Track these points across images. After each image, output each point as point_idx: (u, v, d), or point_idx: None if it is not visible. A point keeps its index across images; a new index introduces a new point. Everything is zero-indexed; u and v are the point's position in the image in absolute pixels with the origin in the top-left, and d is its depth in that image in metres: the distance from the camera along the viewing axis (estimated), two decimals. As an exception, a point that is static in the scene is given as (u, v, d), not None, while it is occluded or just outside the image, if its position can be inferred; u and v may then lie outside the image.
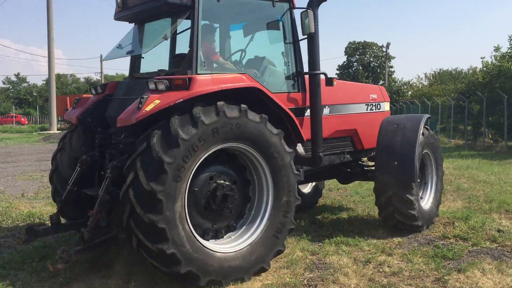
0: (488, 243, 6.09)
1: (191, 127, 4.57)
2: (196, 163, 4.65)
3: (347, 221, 7.36)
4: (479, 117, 25.21)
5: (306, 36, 5.79)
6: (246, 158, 5.18)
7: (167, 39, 5.68)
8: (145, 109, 4.58)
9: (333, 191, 10.13)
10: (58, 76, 70.35)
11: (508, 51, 23.09)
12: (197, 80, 4.83)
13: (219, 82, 4.98)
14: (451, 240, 6.28)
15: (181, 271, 4.53)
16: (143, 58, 6.21)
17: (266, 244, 5.12)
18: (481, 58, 40.04)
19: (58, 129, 35.56)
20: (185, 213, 4.60)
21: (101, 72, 62.18)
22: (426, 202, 7.01)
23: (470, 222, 7.00)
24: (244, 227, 5.24)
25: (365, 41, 59.33)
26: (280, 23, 5.96)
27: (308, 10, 5.67)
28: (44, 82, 69.39)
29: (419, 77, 50.47)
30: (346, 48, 60.54)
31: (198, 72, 5.09)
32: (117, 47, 5.98)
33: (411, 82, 52.61)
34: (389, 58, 53.25)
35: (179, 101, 4.67)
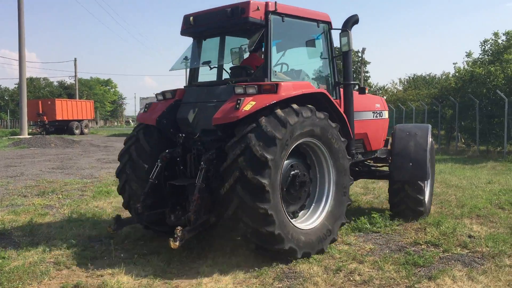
0: (459, 249, 6.07)
1: (281, 128, 5.51)
2: (285, 157, 5.65)
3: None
4: (452, 122, 25.59)
5: (341, 52, 6.91)
6: (308, 147, 6.20)
7: (249, 52, 6.95)
8: (244, 109, 5.54)
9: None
10: (31, 80, 68.99)
11: (480, 56, 23.50)
12: (282, 86, 5.79)
13: (298, 87, 6.05)
14: (423, 247, 6.24)
15: (285, 247, 5.52)
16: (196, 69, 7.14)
17: (332, 218, 6.19)
18: (454, 63, 40.81)
19: (29, 134, 34.81)
20: (281, 199, 5.56)
21: (75, 75, 61.16)
22: (428, 193, 8.14)
23: (441, 227, 6.99)
24: (313, 205, 6.28)
25: (341, 46, 59.98)
26: (320, 40, 7.04)
27: (347, 31, 6.79)
28: (16, 85, 68.00)
29: (393, 82, 51.10)
30: (322, 53, 61.06)
31: (272, 80, 6.09)
32: (184, 59, 7.01)
33: (386, 87, 53.20)
34: (364, 63, 53.79)
35: (272, 102, 5.62)
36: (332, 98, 6.44)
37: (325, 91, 6.42)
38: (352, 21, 7.00)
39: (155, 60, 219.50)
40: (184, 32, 6.93)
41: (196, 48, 7.05)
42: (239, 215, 5.41)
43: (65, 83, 71.40)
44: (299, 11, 6.64)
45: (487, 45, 23.09)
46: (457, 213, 8.21)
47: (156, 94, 7.00)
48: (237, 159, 5.36)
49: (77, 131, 42.50)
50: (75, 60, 60.25)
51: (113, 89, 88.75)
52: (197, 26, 6.73)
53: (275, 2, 6.30)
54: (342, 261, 5.67)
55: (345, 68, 7.04)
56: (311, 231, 5.92)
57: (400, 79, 52.70)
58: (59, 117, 41.13)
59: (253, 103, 5.58)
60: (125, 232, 7.00)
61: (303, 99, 5.98)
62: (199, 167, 5.90)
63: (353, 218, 7.54)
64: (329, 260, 5.72)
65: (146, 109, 6.79)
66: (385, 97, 49.94)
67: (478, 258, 5.74)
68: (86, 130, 44.19)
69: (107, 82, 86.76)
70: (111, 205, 9.31)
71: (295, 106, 5.75)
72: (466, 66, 24.29)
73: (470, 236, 6.62)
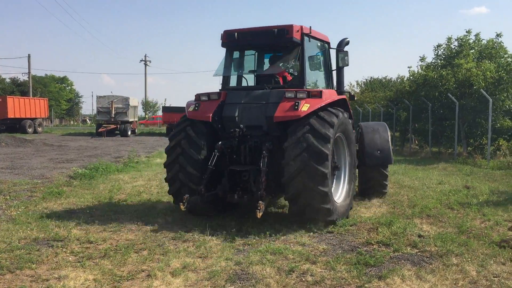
0: (409, 249, 6.18)
1: (330, 128, 7.25)
2: (332, 149, 7.36)
3: (274, 228, 7.25)
4: (406, 124, 26.24)
5: (337, 67, 8.86)
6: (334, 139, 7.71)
7: (292, 63, 8.85)
8: (302, 109, 7.29)
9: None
10: (-19, 76, 66.17)
11: (433, 61, 24.17)
12: (325, 92, 7.66)
13: (332, 94, 8.09)
14: (374, 246, 6.33)
15: (333, 219, 7.31)
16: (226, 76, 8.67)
17: (349, 194, 8.14)
18: (408, 67, 41.87)
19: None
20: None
21: (29, 72, 59.10)
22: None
23: (393, 227, 7.12)
24: (334, 184, 7.97)
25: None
26: (324, 57, 8.94)
27: (347, 51, 8.68)
28: (-35, 82, 65.09)
29: (351, 84, 51.72)
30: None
31: (307, 88, 8.01)
32: (225, 67, 8.55)
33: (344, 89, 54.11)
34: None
35: (322, 105, 7.46)
36: (348, 102, 8.59)
37: (346, 97, 8.55)
38: (344, 43, 8.79)
39: (113, 58, 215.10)
40: (226, 45, 8.48)
41: (238, 58, 8.80)
42: (302, 195, 7.08)
43: (18, 80, 68.82)
44: (318, 34, 8.62)
45: (440, 50, 23.77)
46: (409, 213, 8.39)
47: (200, 95, 8.26)
48: (302, 152, 7.04)
49: (30, 130, 41.09)
50: (29, 56, 58.22)
51: (69, 87, 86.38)
52: (241, 41, 8.33)
53: (310, 27, 8.29)
54: (295, 261, 5.67)
55: (340, 79, 8.93)
56: (341, 204, 7.79)
57: (357, 81, 53.58)
58: (10, 115, 39.66)
59: (308, 105, 7.36)
60: (74, 235, 6.78)
61: (332, 102, 7.91)
62: (256, 155, 7.74)
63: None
64: (283, 261, 5.71)
65: (196, 108, 8.06)
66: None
67: (427, 257, 5.86)
68: (39, 129, 42.79)
69: (63, 80, 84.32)
70: (61, 206, 9.01)
71: (332, 109, 7.61)
72: (420, 70, 24.94)
73: (420, 236, 6.76)
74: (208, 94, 8.21)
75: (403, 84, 28.15)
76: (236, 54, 8.76)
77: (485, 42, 22.63)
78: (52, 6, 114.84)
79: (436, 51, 23.82)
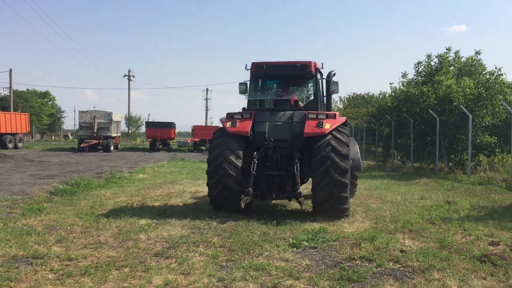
0: (391, 264, 6.21)
1: (345, 146, 9.41)
2: None
3: (257, 244, 7.23)
4: (389, 140, 26.46)
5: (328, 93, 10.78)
6: None
7: (307, 91, 11.41)
8: (326, 127, 9.50)
9: (247, 213, 10.02)
10: (-39, 90, 65.12)
11: (414, 77, 24.54)
12: (338, 114, 10.05)
13: (338, 115, 10.09)
14: (357, 262, 6.35)
15: (347, 206, 9.46)
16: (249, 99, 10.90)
17: (351, 194, 10.94)
18: (390, 83, 42.44)
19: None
20: None
21: (10, 87, 58.42)
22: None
23: (375, 242, 7.15)
24: None
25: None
26: (315, 83, 10.76)
27: (336, 81, 10.59)
28: None
29: (334, 100, 52.30)
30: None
31: (321, 110, 10.49)
32: (253, 91, 10.87)
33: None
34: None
35: (338, 124, 9.75)
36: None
37: (346, 118, 11.19)
38: (332, 74, 10.65)
39: (96, 73, 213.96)
40: (255, 74, 10.73)
41: (264, 85, 11.27)
42: (329, 187, 9.15)
43: (-1, 94, 67.94)
44: (320, 68, 10.76)
45: (420, 67, 24.16)
46: (391, 228, 8.45)
47: (234, 114, 10.20)
48: (329, 168, 9.16)
49: (10, 145, 40.45)
50: (10, 70, 57.73)
51: (51, 102, 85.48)
52: (268, 72, 10.67)
53: (322, 63, 10.99)
54: (279, 277, 5.65)
55: (330, 103, 10.96)
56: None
57: (340, 97, 54.04)
58: (-9, 130, 39.09)
59: (329, 124, 9.58)
60: (54, 252, 6.67)
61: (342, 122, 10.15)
62: (289, 162, 9.78)
63: (292, 237, 7.58)
64: (266, 277, 5.69)
65: (234, 124, 9.92)
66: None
67: (409, 272, 5.89)
68: (20, 144, 42.16)
69: (45, 95, 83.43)
70: (41, 223, 8.86)
71: (343, 129, 9.81)
72: (401, 86, 25.28)
73: (402, 251, 6.80)
74: (241, 113, 10.17)
75: (385, 100, 28.56)
76: (260, 82, 11.08)
77: (465, 60, 23.11)
78: (34, 20, 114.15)
79: (417, 68, 24.23)
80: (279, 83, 11.38)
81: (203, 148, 47.01)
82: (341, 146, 9.32)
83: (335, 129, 9.68)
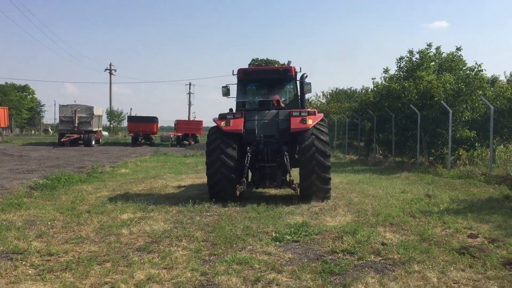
0: (372, 257, 6.29)
1: (326, 135, 10.93)
2: None
3: (240, 238, 7.25)
4: (371, 134, 26.64)
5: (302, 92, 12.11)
6: None
7: (288, 92, 12.76)
8: (309, 122, 10.94)
9: (230, 207, 10.04)
10: None
11: (396, 73, 24.69)
12: (316, 112, 11.39)
13: (317, 112, 11.43)
14: (339, 255, 6.41)
15: (331, 186, 11.10)
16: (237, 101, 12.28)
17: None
18: (372, 78, 42.33)
19: None
20: None
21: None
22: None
23: (357, 236, 7.23)
24: None
25: (267, 59, 60.82)
26: (295, 85, 12.32)
27: (309, 82, 12.02)
28: None
29: (317, 95, 52.28)
30: (249, 64, 61.63)
31: (304, 108, 11.83)
32: (241, 94, 12.32)
33: (310, 100, 54.70)
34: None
35: (319, 120, 11.13)
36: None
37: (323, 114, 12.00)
38: (305, 76, 12.01)
39: (77, 67, 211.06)
40: (242, 79, 12.15)
41: (250, 88, 12.61)
42: (315, 169, 10.57)
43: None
44: (297, 70, 12.22)
45: (402, 62, 24.32)
46: (372, 221, 8.54)
47: (226, 114, 11.34)
48: (314, 154, 10.62)
49: (-12, 139, 39.80)
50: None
51: (31, 96, 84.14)
52: (254, 76, 12.34)
53: (300, 68, 12.39)
54: (261, 271, 5.68)
55: (304, 101, 12.17)
56: None
57: (323, 92, 54.20)
58: (-32, 124, 38.38)
59: (311, 120, 11.02)
60: (34, 247, 6.60)
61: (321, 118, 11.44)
62: (278, 154, 11.19)
63: (274, 231, 7.63)
64: (249, 270, 5.71)
65: (228, 123, 11.12)
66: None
67: (390, 265, 5.98)
68: (-1, 138, 41.50)
69: (24, 88, 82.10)
70: (21, 218, 8.75)
71: (322, 123, 11.24)
72: (383, 82, 25.45)
73: (383, 244, 6.89)
74: (233, 114, 11.38)
75: (368, 95, 28.64)
76: (246, 85, 12.42)
77: (445, 55, 23.35)
78: (14, 13, 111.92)
79: (399, 63, 24.38)
80: (263, 86, 12.62)
81: (186, 142, 46.84)
82: (322, 135, 10.83)
83: (317, 123, 11.04)
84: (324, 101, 50.21)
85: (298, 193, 11.13)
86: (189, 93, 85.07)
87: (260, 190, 12.79)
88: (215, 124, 11.46)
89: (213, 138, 11.16)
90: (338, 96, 50.09)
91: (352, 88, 53.26)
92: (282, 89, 12.74)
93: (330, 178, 10.86)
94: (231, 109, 12.04)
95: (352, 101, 38.66)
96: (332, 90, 54.40)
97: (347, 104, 36.18)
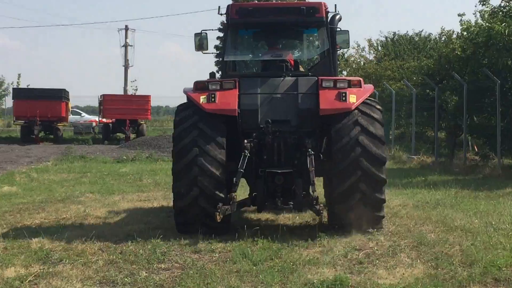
0: None
1: (380, 125, 11.27)
2: None
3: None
4: (458, 117, 26.36)
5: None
6: None
7: (316, 47, 14.47)
8: (350, 101, 11.14)
9: (204, 252, 10.05)
10: None
11: (503, 3, 24.28)
12: (362, 82, 11.69)
13: (362, 82, 11.82)
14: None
15: (383, 214, 11.56)
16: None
17: None
18: (459, 15, 41.91)
19: None
20: None
21: None
22: None
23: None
24: None
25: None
26: (326, 35, 12.60)
27: (345, 30, 12.67)
28: None
29: (358, 46, 52.11)
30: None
31: (336, 74, 12.49)
32: (233, 48, 13.00)
33: (346, 55, 54.64)
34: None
35: (367, 96, 11.48)
36: None
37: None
38: (337, 20, 12.48)
39: None
40: (236, 22, 12.37)
41: (248, 39, 13.38)
42: (359, 186, 10.87)
43: None
44: (328, 9, 12.42)
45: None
46: (463, 276, 8.53)
47: (208, 83, 11.58)
48: (358, 138, 10.93)
49: None
50: None
51: None
52: (256, 17, 12.29)
53: (335, 4, 13.24)
54: None
55: (336, 63, 12.77)
56: None
57: (369, 40, 53.98)
58: None
59: (355, 96, 11.21)
60: None
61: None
62: (297, 153, 11.58)
63: None
64: None
65: (213, 99, 11.28)
66: (345, 73, 51.41)
67: None
68: None
69: None
70: None
71: (372, 103, 11.66)
72: (479, 20, 25.25)
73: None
74: (220, 82, 11.61)
75: (451, 45, 28.44)
76: (242, 33, 13.07)
77: None
78: None
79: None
80: (271, 34, 13.16)
81: (121, 136, 46.86)
82: (373, 126, 11.12)
83: (363, 102, 11.33)
84: (372, 56, 50.38)
85: (324, 220, 11.31)
86: (126, 45, 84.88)
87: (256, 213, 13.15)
88: (188, 100, 11.70)
89: (185, 126, 11.39)
90: (397, 48, 50.16)
91: (422, 33, 53.39)
92: (302, 42, 13.35)
93: (384, 201, 11.29)
94: (213, 74, 12.36)
95: (423, 57, 38.63)
96: (386, 37, 54.49)
97: (414, 63, 36.19)
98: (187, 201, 11.03)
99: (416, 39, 52.38)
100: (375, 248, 10.34)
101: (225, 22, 12.44)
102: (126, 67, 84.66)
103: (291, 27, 12.79)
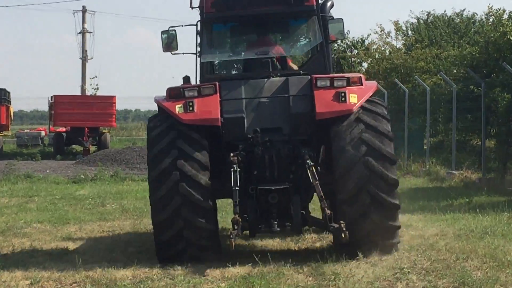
0: None
1: (387, 122, 12.27)
2: None
3: None
4: (510, 119, 26.46)
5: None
6: None
7: (306, 40, 14.99)
8: (351, 101, 12.04)
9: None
10: None
11: None
12: (363, 78, 12.65)
13: (364, 79, 12.78)
14: None
15: (398, 224, 12.48)
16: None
17: None
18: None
19: None
20: None
21: None
22: None
23: None
24: None
25: None
26: (318, 27, 13.63)
27: (339, 19, 13.73)
28: None
29: (382, 30, 51.92)
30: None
31: (331, 72, 13.47)
32: (210, 47, 13.73)
33: (367, 42, 54.66)
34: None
35: (370, 95, 12.49)
36: None
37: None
38: (328, 6, 13.70)
39: None
40: (212, 16, 13.25)
41: (226, 34, 14.28)
42: (369, 190, 11.75)
43: None
44: None
45: None
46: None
47: (183, 89, 12.41)
48: (361, 135, 11.92)
49: None
50: None
51: None
52: (235, 8, 13.22)
53: None
54: None
55: (329, 56, 13.94)
56: None
57: (397, 23, 53.99)
58: None
59: (355, 95, 12.14)
60: None
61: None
62: (292, 166, 12.47)
63: None
64: None
65: (191, 108, 12.04)
66: (365, 65, 51.46)
67: None
68: None
69: None
70: None
71: (376, 100, 12.92)
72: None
73: None
74: (198, 88, 12.42)
75: (502, 28, 28.54)
76: (221, 29, 14.01)
77: None
78: None
79: None
80: (253, 28, 14.23)
81: (78, 148, 46.96)
82: (383, 144, 12.01)
83: (365, 107, 12.32)
84: (399, 44, 50.57)
85: (345, 240, 11.41)
86: (83, 32, 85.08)
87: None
88: (161, 111, 12.62)
89: (161, 146, 12.19)
90: (432, 33, 50.36)
91: (464, 13, 53.65)
92: (291, 35, 14.43)
93: (398, 227, 12.55)
94: (187, 78, 13.15)
95: (466, 44, 38.74)
96: (417, 19, 54.67)
97: (454, 51, 36.30)
98: (169, 235, 11.76)
99: (457, 21, 52.60)
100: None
101: (200, 16, 13.13)
102: (84, 59, 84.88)
103: (276, 18, 13.72)
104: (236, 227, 11.39)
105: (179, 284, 10.63)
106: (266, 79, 12.69)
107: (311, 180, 11.54)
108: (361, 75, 12.52)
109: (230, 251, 11.80)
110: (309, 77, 12.44)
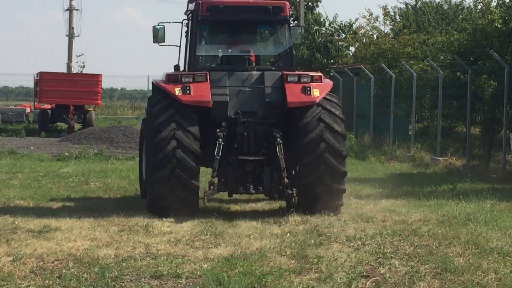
0: None
1: (341, 122, 16.19)
2: None
3: None
4: (497, 108, 26.51)
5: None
6: None
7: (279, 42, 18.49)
8: (314, 94, 15.95)
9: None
10: None
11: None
12: (323, 77, 17.10)
13: (323, 77, 17.40)
14: None
15: (342, 203, 16.45)
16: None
17: None
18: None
19: None
20: None
21: None
22: None
23: None
24: None
25: None
26: (288, 32, 17.80)
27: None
28: None
29: (371, 15, 51.96)
30: None
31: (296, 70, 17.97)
32: (202, 43, 17.69)
33: (355, 26, 54.65)
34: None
35: (328, 90, 16.52)
36: None
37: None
38: (290, 12, 16.39)
39: None
40: (207, 19, 16.44)
41: (210, 33, 17.76)
42: (324, 158, 15.22)
43: None
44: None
45: None
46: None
47: (181, 75, 15.59)
48: (322, 133, 15.30)
49: None
50: None
51: None
52: (227, 16, 16.46)
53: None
54: None
55: (293, 57, 17.47)
56: None
57: (385, 8, 54.00)
58: None
59: (318, 90, 15.74)
60: None
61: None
62: (264, 143, 15.79)
63: None
64: None
65: (188, 91, 15.11)
66: (352, 49, 51.36)
67: None
68: None
69: None
70: None
71: (332, 98, 16.29)
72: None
73: None
74: (192, 75, 15.38)
75: (490, 15, 28.51)
76: (212, 29, 17.38)
77: None
78: None
79: None
80: (235, 30, 17.51)
81: (62, 126, 46.81)
82: (336, 123, 15.55)
83: (324, 98, 15.80)
84: (387, 29, 50.51)
85: (293, 203, 15.15)
86: (70, 9, 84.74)
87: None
88: (158, 91, 15.87)
89: (161, 120, 15.22)
90: (419, 19, 50.37)
91: (451, 0, 53.63)
92: (267, 38, 17.50)
93: (344, 190, 16.03)
94: (177, 67, 16.48)
95: (453, 30, 38.73)
96: (406, 4, 54.64)
97: (442, 37, 36.29)
98: (163, 191, 14.98)
99: (445, 7, 52.61)
100: (387, 274, 10.38)
101: (193, 17, 16.33)
102: (70, 37, 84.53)
103: (257, 24, 17.45)
104: (211, 188, 14.82)
105: (161, 264, 10.61)
106: (246, 72, 16.12)
107: (278, 154, 14.88)
108: (321, 74, 16.27)
109: (215, 233, 13.38)
110: (281, 73, 15.94)
